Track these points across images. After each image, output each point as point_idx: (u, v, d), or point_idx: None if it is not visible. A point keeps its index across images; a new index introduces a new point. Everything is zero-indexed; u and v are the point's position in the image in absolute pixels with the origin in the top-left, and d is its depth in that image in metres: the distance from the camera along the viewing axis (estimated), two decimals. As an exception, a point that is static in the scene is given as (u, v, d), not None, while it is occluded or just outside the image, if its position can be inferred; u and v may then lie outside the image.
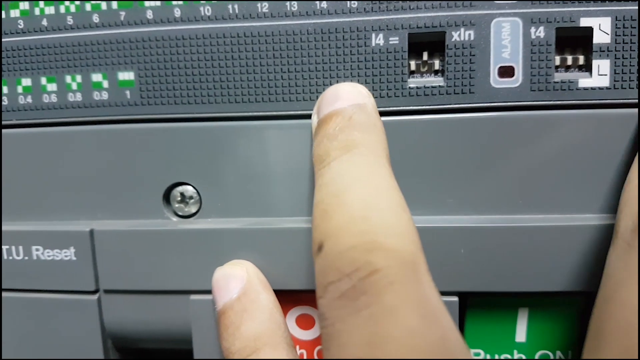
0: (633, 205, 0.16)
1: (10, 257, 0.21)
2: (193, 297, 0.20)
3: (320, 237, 0.14)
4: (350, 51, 0.18)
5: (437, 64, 0.18)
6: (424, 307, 0.13)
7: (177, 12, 0.19)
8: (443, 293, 0.18)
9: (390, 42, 0.18)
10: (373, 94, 0.18)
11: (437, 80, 0.18)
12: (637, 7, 0.17)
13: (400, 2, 0.18)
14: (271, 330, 0.17)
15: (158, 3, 0.19)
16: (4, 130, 0.20)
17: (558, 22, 0.17)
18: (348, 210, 0.14)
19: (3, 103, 0.20)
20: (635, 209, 0.16)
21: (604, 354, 0.14)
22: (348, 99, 0.17)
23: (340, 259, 0.14)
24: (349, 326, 0.13)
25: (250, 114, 0.19)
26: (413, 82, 0.18)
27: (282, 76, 0.19)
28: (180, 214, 0.20)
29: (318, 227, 0.15)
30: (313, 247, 0.15)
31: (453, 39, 0.18)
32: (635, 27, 0.17)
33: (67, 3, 0.19)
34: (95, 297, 0.21)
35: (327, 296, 0.14)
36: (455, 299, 0.18)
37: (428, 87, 0.18)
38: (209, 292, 0.19)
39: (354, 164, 0.15)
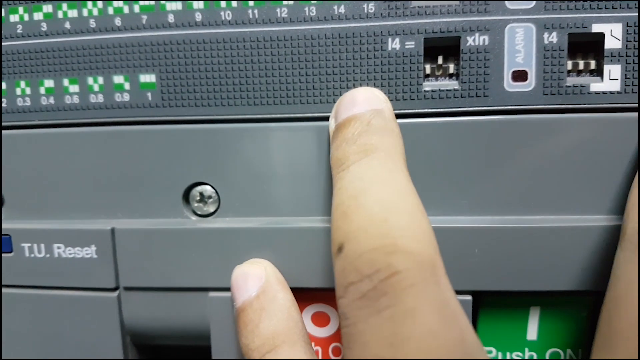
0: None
1: (32, 255, 0.21)
2: (212, 294, 0.20)
3: (341, 239, 0.15)
4: (367, 55, 0.19)
5: (451, 68, 0.19)
6: (443, 308, 0.13)
7: (198, 17, 0.19)
8: (457, 292, 0.19)
9: (406, 47, 0.18)
10: (389, 97, 0.19)
11: (452, 84, 0.19)
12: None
13: (417, 7, 0.18)
14: (289, 328, 0.18)
15: (179, 7, 0.19)
16: (26, 131, 0.21)
17: (570, 27, 0.18)
18: (368, 213, 0.15)
19: (26, 104, 0.21)
20: None
21: (614, 354, 0.15)
22: (365, 104, 0.17)
23: (361, 261, 0.14)
24: (371, 326, 0.13)
25: (269, 116, 0.19)
26: (428, 85, 0.19)
27: (300, 79, 0.19)
28: (199, 213, 0.21)
29: (338, 229, 0.15)
30: (333, 247, 0.15)
31: (468, 44, 0.18)
32: None
33: (89, 6, 0.20)
34: (115, 294, 0.21)
35: (348, 296, 0.14)
36: (469, 297, 0.19)
37: (443, 91, 0.19)
38: (227, 289, 0.20)
39: (372, 167, 0.16)
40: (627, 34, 0.18)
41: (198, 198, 0.20)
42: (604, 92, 0.18)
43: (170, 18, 0.19)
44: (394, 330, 0.13)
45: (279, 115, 0.19)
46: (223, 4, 0.19)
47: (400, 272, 0.13)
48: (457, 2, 0.18)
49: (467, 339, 0.13)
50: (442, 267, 0.14)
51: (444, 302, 0.13)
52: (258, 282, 0.19)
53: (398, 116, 0.19)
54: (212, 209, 0.20)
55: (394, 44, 0.19)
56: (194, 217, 0.21)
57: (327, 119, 0.19)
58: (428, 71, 0.19)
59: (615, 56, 0.18)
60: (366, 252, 0.14)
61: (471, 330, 0.14)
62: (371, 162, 0.16)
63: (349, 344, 0.14)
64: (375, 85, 0.19)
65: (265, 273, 0.19)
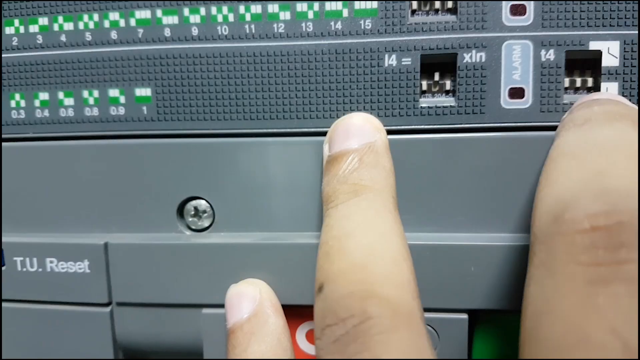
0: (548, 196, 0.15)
1: (24, 269, 0.21)
2: (205, 310, 0.20)
3: (322, 279, 0.15)
4: (364, 71, 0.19)
5: (448, 85, 0.19)
6: (414, 358, 0.13)
7: (195, 31, 0.19)
8: (453, 310, 0.19)
9: (403, 63, 0.18)
10: (385, 113, 0.19)
11: (449, 100, 0.19)
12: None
13: (413, 24, 0.18)
14: (277, 356, 0.18)
15: (176, 21, 0.19)
16: (20, 143, 0.21)
17: (568, 45, 0.18)
18: (349, 256, 0.15)
19: (20, 116, 0.21)
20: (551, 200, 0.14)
21: None
22: (359, 137, 0.17)
23: (338, 304, 0.14)
24: None
25: (265, 130, 0.19)
26: (425, 102, 0.19)
27: (296, 94, 0.19)
28: (193, 227, 0.20)
29: (320, 269, 0.15)
30: (315, 286, 0.15)
31: (464, 61, 0.18)
32: None
33: (85, 19, 0.20)
34: (108, 309, 0.21)
35: (323, 339, 0.14)
36: (464, 316, 0.19)
37: (439, 107, 0.19)
38: (221, 306, 0.19)
39: (360, 208, 0.16)
40: (625, 51, 0.18)
41: (192, 212, 0.20)
42: (601, 110, 0.18)
43: (167, 32, 0.19)
44: None
45: (274, 130, 0.19)
46: (220, 18, 0.19)
47: (373, 318, 0.13)
48: (454, 19, 0.18)
49: None
50: (418, 316, 0.14)
51: (416, 351, 0.13)
52: (252, 304, 0.18)
53: (394, 132, 0.19)
54: (206, 224, 0.20)
55: (391, 61, 0.18)
56: (188, 232, 0.20)
57: (323, 134, 0.19)
58: (425, 87, 0.19)
59: (612, 74, 0.18)
60: (344, 296, 0.14)
61: None
62: (359, 203, 0.16)
63: None
64: (372, 101, 0.19)
65: (260, 295, 0.19)
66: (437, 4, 0.18)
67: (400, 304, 0.14)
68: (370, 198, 0.16)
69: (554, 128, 0.18)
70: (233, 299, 0.19)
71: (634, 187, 0.13)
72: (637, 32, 0.18)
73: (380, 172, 0.17)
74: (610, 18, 0.18)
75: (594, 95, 0.18)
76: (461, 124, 0.19)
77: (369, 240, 0.15)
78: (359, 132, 0.18)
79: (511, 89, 0.18)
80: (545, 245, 0.14)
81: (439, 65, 0.19)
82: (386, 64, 0.19)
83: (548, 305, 0.13)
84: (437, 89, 0.19)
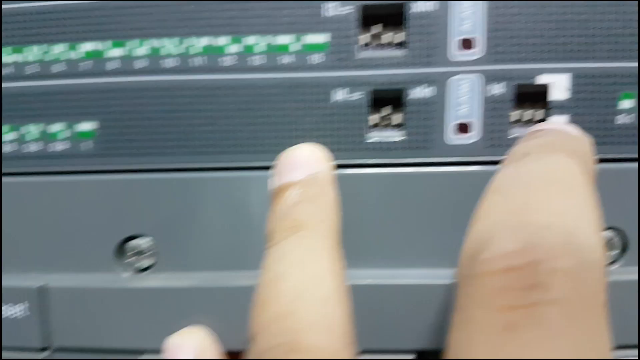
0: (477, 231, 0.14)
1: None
2: (145, 356, 0.19)
3: (253, 329, 0.15)
4: (313, 105, 0.18)
5: (397, 119, 0.19)
6: None
7: (141, 64, 0.19)
8: (400, 351, 0.18)
9: (352, 98, 0.18)
10: (334, 148, 0.18)
11: (397, 135, 0.19)
12: (596, 64, 0.18)
13: (362, 59, 0.18)
14: None
15: (122, 53, 0.19)
16: None
17: (516, 79, 0.18)
18: (278, 302, 0.14)
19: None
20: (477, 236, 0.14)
21: None
22: (304, 168, 0.17)
23: (265, 357, 0.14)
24: None
25: (211, 165, 0.19)
26: (373, 136, 0.19)
27: (244, 128, 0.19)
28: (134, 267, 0.20)
29: (252, 318, 0.15)
30: (248, 332, 0.15)
31: (412, 96, 0.18)
32: (592, 84, 0.18)
33: (28, 51, 0.19)
34: (46, 354, 0.20)
35: None
36: (412, 356, 0.18)
37: (387, 142, 0.18)
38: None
39: (296, 247, 0.15)
40: (574, 85, 0.18)
41: (133, 252, 0.19)
42: (549, 145, 0.18)
43: (112, 65, 0.19)
44: None
45: (221, 165, 0.19)
46: (166, 51, 0.18)
47: None
48: (403, 54, 0.18)
49: None
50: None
51: None
52: (190, 356, 0.18)
53: (342, 166, 0.18)
54: (148, 264, 0.19)
55: (339, 95, 0.18)
56: (129, 273, 0.20)
57: (270, 168, 0.18)
58: (374, 121, 0.19)
59: (562, 107, 0.18)
60: (269, 349, 0.14)
61: None
62: (297, 241, 0.16)
63: None
64: (320, 136, 0.19)
65: (199, 346, 0.18)
66: (387, 38, 0.18)
67: (329, 351, 0.13)
68: (308, 235, 0.16)
69: (500, 162, 0.18)
70: (169, 351, 0.18)
71: (553, 220, 0.12)
72: (587, 64, 0.18)
73: (323, 206, 0.17)
74: (560, 51, 0.18)
75: (539, 126, 0.17)
76: (408, 158, 0.18)
77: (300, 283, 0.15)
78: (304, 163, 0.17)
79: (458, 124, 0.18)
80: (463, 289, 0.13)
81: (388, 99, 0.19)
82: (335, 99, 0.18)
83: (463, 354, 0.12)
84: (386, 123, 0.19)
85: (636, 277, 0.18)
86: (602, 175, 0.16)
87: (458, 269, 0.14)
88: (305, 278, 0.15)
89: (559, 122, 0.18)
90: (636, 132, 0.18)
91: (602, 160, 0.17)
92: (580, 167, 0.14)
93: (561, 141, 0.16)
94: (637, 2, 0.18)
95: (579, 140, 0.16)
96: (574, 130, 0.17)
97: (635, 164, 0.18)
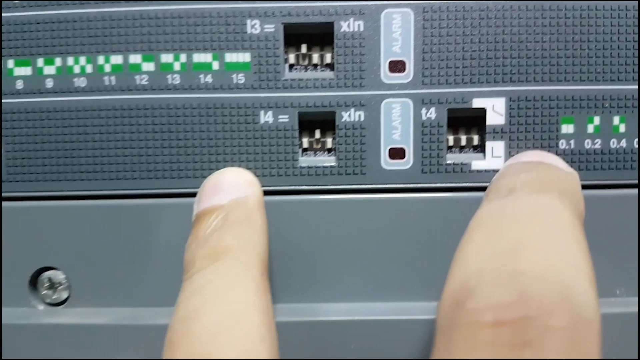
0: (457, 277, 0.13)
1: None
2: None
3: None
4: (238, 128, 0.17)
5: (329, 143, 0.18)
6: None
7: (50, 83, 0.17)
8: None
9: (280, 120, 0.17)
10: (263, 173, 0.17)
11: (329, 160, 0.18)
12: (533, 87, 0.17)
13: (289, 80, 0.17)
14: None
15: (29, 72, 0.17)
16: None
17: (450, 103, 0.17)
18: (193, 344, 0.13)
19: None
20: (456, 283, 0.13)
21: None
22: (229, 192, 0.16)
23: None
24: None
25: (126, 192, 0.17)
26: (304, 161, 0.18)
27: (162, 152, 0.17)
28: (48, 301, 0.18)
29: None
30: None
31: (343, 119, 0.17)
32: (530, 108, 0.17)
33: None
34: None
35: None
36: None
37: (319, 167, 0.17)
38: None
39: (216, 277, 0.14)
40: (511, 108, 0.17)
41: (47, 284, 0.18)
42: (486, 170, 0.17)
43: (19, 85, 0.17)
44: None
45: (138, 192, 0.17)
46: (77, 69, 0.17)
47: None
48: (332, 75, 0.17)
49: None
50: None
51: None
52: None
53: (273, 193, 0.17)
54: (63, 296, 0.18)
55: (267, 117, 0.17)
56: (42, 306, 0.18)
57: (193, 195, 0.17)
58: (306, 145, 0.18)
59: (498, 132, 0.17)
60: None
61: None
62: (217, 271, 0.14)
63: None
64: (248, 160, 0.17)
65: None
66: (315, 59, 0.17)
67: None
68: (229, 263, 0.14)
69: (435, 189, 0.17)
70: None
71: (547, 270, 0.11)
72: (523, 87, 0.17)
73: (248, 232, 0.15)
74: (495, 74, 0.17)
75: (524, 156, 0.16)
76: (342, 184, 0.17)
77: (218, 320, 0.13)
78: (229, 186, 0.16)
79: (391, 149, 0.17)
80: (445, 338, 0.12)
81: (320, 122, 0.18)
82: (262, 121, 0.17)
83: None
84: (319, 146, 0.18)
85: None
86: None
87: (438, 315, 0.13)
88: (226, 314, 0.13)
89: (546, 155, 0.17)
90: (579, 156, 0.17)
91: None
92: (572, 210, 0.13)
93: (551, 179, 0.15)
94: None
95: (569, 178, 0.15)
96: (564, 166, 0.16)
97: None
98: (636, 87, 0.17)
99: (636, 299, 0.18)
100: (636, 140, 0.17)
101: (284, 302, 0.18)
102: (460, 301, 0.12)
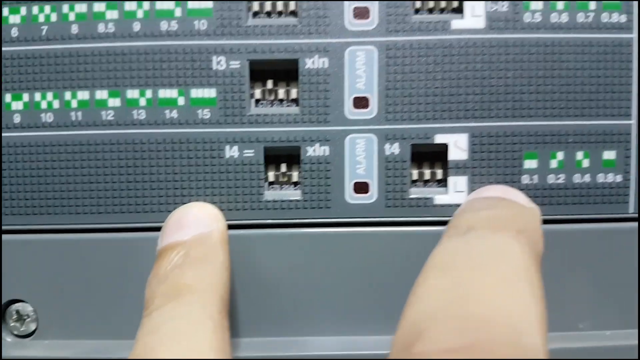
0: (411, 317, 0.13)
1: None
2: None
3: None
4: (204, 162, 0.17)
5: (295, 177, 0.18)
6: None
7: (17, 118, 0.17)
8: None
9: (245, 155, 0.17)
10: (228, 207, 0.17)
11: (294, 194, 0.18)
12: (494, 123, 0.17)
13: (255, 115, 0.17)
14: None
15: (-4, 106, 0.17)
16: None
17: (413, 138, 0.17)
18: None
19: None
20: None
21: None
22: (192, 227, 0.16)
23: None
24: None
25: (92, 226, 0.17)
26: (270, 195, 0.18)
27: (127, 186, 0.17)
28: (16, 333, 0.18)
29: None
30: None
31: (308, 154, 0.17)
32: (492, 144, 0.17)
33: None
34: None
35: None
36: None
37: (285, 201, 0.18)
38: None
39: (174, 316, 0.14)
40: (473, 144, 0.17)
41: (15, 317, 0.18)
42: (449, 205, 0.18)
43: (-13, 117, 0.17)
44: None
45: (104, 226, 0.17)
46: (44, 104, 0.17)
47: None
48: (297, 111, 0.17)
49: None
50: None
51: None
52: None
53: (238, 227, 0.17)
54: (31, 328, 0.18)
55: (232, 152, 0.17)
56: (10, 338, 0.18)
57: (158, 229, 0.17)
58: (272, 179, 0.18)
59: (460, 167, 0.17)
60: None
61: None
62: (175, 309, 0.14)
63: None
64: (213, 194, 0.18)
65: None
66: (281, 94, 0.17)
67: None
68: (189, 302, 0.14)
69: (400, 224, 0.17)
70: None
71: (497, 315, 0.11)
72: (485, 123, 0.17)
73: (209, 269, 0.15)
74: (457, 110, 0.17)
75: (486, 191, 0.16)
76: (307, 218, 0.18)
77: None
78: (193, 222, 0.16)
79: (356, 183, 0.17)
80: None
81: (285, 156, 0.18)
82: (227, 155, 0.17)
83: None
84: (285, 179, 0.18)
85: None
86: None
87: (390, 357, 0.12)
88: (180, 355, 0.13)
89: (508, 190, 0.16)
90: (542, 191, 0.18)
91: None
92: (528, 250, 0.13)
93: (510, 216, 0.15)
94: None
95: (529, 214, 0.15)
96: (525, 201, 0.16)
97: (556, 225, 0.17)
98: (599, 122, 0.17)
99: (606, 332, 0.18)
100: (599, 174, 0.17)
101: (247, 337, 0.18)
102: (410, 344, 0.12)
